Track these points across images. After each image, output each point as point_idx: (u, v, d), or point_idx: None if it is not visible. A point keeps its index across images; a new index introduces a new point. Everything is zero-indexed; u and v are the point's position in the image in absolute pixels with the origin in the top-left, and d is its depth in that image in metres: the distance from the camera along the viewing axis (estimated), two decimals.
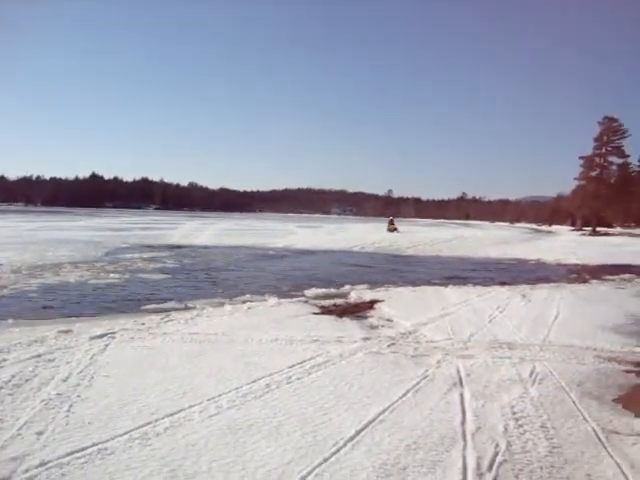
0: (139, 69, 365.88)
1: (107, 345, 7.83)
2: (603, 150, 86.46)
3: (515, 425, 5.20)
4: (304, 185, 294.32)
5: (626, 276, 20.60)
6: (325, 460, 4.33)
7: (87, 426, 4.86)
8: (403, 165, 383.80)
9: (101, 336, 8.32)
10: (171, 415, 5.18)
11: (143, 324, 9.44)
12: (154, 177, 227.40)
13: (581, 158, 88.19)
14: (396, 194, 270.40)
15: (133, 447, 4.47)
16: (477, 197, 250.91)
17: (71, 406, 5.35)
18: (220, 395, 5.80)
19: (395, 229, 56.85)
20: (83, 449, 4.40)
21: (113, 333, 8.57)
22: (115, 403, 5.46)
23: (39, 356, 7.11)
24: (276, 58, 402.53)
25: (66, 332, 8.57)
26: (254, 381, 6.30)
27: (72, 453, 4.33)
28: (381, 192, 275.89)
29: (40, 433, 4.70)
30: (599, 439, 4.95)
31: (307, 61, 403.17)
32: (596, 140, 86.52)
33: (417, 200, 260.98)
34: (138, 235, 38.30)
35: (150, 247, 28.09)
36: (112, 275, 16.45)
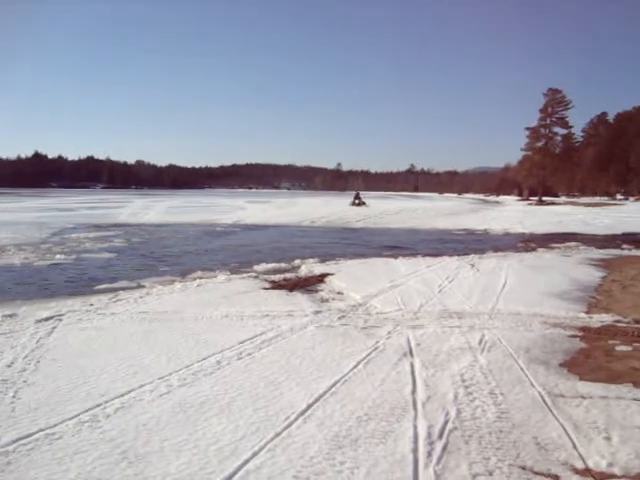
0: (80, 44, 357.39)
1: (54, 328, 7.68)
2: (548, 121, 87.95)
3: (465, 393, 5.28)
4: (253, 160, 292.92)
5: (571, 244, 21.04)
6: (277, 435, 4.34)
7: (34, 412, 4.76)
8: (352, 139, 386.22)
9: (47, 319, 8.16)
10: (121, 396, 5.11)
11: (91, 305, 9.30)
12: (100, 155, 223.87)
13: (527, 129, 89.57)
14: (345, 167, 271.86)
15: (82, 430, 4.40)
16: (425, 169, 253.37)
17: (17, 392, 5.23)
18: (171, 374, 5.75)
19: (362, 203, 55.89)
20: (29, 435, 4.30)
21: (60, 315, 8.42)
22: (63, 387, 5.36)
23: None
24: (224, 35, 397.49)
25: (11, 316, 8.38)
26: (205, 358, 6.26)
27: (18, 440, 4.23)
28: (330, 166, 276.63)
29: None
30: (545, 403, 5.06)
31: (252, 40, 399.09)
32: (541, 111, 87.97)
33: (366, 173, 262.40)
34: (85, 215, 37.70)
35: (97, 226, 27.61)
36: (58, 256, 16.11)
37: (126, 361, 6.18)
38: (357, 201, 56.80)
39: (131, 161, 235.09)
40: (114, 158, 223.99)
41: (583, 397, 5.23)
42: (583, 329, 7.93)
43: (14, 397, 5.10)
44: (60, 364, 6.10)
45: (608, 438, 4.36)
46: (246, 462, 3.92)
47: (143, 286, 11.32)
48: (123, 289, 10.98)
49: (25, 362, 6.16)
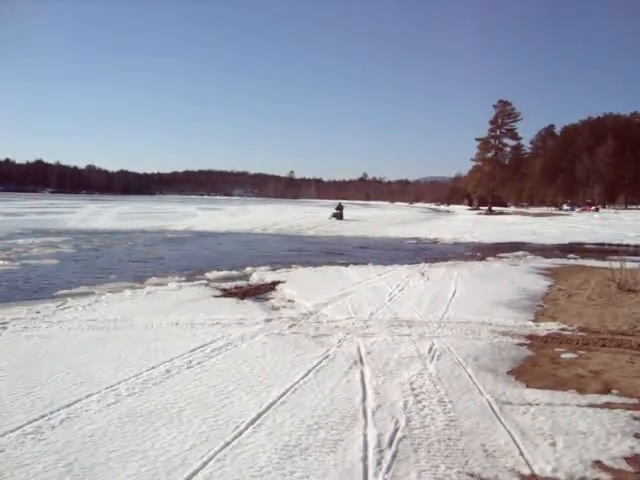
0: (25, 43, 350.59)
1: None
2: (498, 132, 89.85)
3: (414, 401, 5.31)
4: (205, 167, 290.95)
5: (519, 253, 21.41)
6: (227, 444, 4.30)
7: None
8: (305, 147, 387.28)
9: None
10: (67, 406, 5.00)
11: (38, 312, 9.06)
12: (49, 159, 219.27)
13: (477, 140, 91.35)
14: (298, 175, 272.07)
15: (25, 443, 4.28)
16: (377, 178, 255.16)
17: None
18: (119, 382, 5.65)
19: (338, 215, 48.31)
20: None
21: (4, 323, 8.19)
22: (5, 397, 5.21)
23: None
24: (177, 39, 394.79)
25: None
26: (154, 367, 6.18)
27: None
28: (283, 173, 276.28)
29: None
30: (493, 410, 5.13)
31: (204, 45, 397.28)
32: (491, 123, 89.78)
33: (319, 181, 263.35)
34: (33, 220, 36.88)
35: (46, 232, 26.99)
36: (3, 262, 15.70)
37: (73, 370, 6.05)
38: (336, 212, 49.14)
39: (81, 166, 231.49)
40: (64, 162, 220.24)
41: (530, 404, 5.33)
42: (530, 337, 8.07)
43: None
44: (3, 374, 5.93)
45: (553, 444, 4.44)
46: (195, 472, 3.87)
47: (92, 293, 11.09)
48: (71, 296, 10.74)
49: None
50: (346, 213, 50.43)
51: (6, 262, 15.79)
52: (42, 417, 4.75)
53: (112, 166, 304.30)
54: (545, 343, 7.79)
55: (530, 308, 10.26)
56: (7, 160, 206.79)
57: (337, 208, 50.32)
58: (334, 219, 46.97)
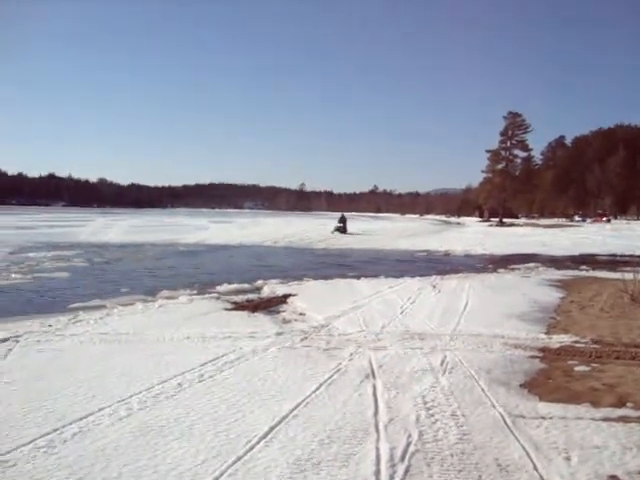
0: (42, 57, 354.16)
1: (10, 350, 7.50)
2: (508, 144, 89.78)
3: (427, 415, 5.28)
4: (216, 180, 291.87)
5: (531, 265, 21.30)
6: (238, 459, 4.28)
7: None
8: (315, 159, 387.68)
9: (4, 340, 7.97)
10: (79, 420, 5.00)
11: (50, 326, 9.09)
12: (61, 173, 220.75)
13: (488, 152, 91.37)
14: (308, 188, 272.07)
15: (37, 457, 4.28)
16: (388, 190, 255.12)
17: None
18: (131, 396, 5.65)
19: (342, 229, 44.49)
20: None
21: (17, 337, 8.22)
22: (18, 411, 5.22)
23: None
24: (188, 54, 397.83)
25: None
26: (166, 380, 6.17)
27: None
28: (293, 186, 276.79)
29: None
30: (506, 424, 5.09)
31: (214, 59, 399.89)
32: (502, 134, 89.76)
33: (329, 194, 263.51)
34: (45, 233, 37.10)
35: (57, 245, 27.17)
36: (16, 276, 15.79)
37: (85, 384, 6.05)
38: (339, 225, 45.05)
39: (93, 179, 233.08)
40: (76, 176, 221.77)
41: (543, 418, 5.28)
42: (543, 350, 8.02)
43: None
44: (16, 387, 5.95)
45: (568, 458, 4.40)
46: None
47: (104, 307, 11.13)
48: (83, 310, 10.78)
49: None
50: (354, 225, 50.21)
51: (18, 275, 15.86)
52: (54, 431, 4.75)
53: (123, 179, 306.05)
54: (558, 356, 7.74)
55: (542, 320, 10.20)
56: (20, 174, 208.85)
57: (340, 221, 45.98)
58: (337, 233, 43.16)
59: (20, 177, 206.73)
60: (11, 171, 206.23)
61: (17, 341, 7.98)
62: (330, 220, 61.02)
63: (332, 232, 43.62)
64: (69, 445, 4.50)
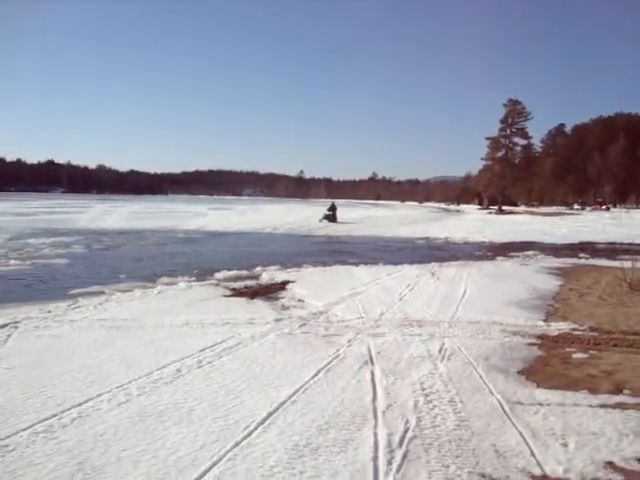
0: (42, 43, 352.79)
1: (9, 336, 7.52)
2: (508, 132, 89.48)
3: (425, 401, 5.30)
4: (215, 167, 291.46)
5: (530, 253, 21.34)
6: (237, 444, 4.30)
7: None
8: (315, 146, 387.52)
9: (3, 326, 7.98)
10: (78, 405, 5.02)
11: (49, 312, 9.12)
12: (60, 159, 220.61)
13: (487, 139, 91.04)
14: (308, 175, 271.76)
15: (37, 441, 4.30)
16: (387, 177, 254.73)
17: None
18: (130, 382, 5.67)
19: (331, 217, 42.34)
20: None
21: (16, 323, 8.24)
22: (18, 396, 5.24)
23: None
24: (187, 39, 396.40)
25: None
26: (164, 366, 6.19)
27: None
28: (293, 173, 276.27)
29: None
30: (504, 410, 5.11)
31: (216, 46, 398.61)
32: (502, 122, 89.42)
33: (329, 181, 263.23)
34: (44, 219, 37.10)
35: (57, 232, 27.15)
36: (15, 262, 15.80)
37: (84, 369, 6.07)
38: (330, 214, 42.73)
39: (92, 166, 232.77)
40: (75, 162, 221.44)
41: (541, 404, 5.30)
42: (541, 337, 8.03)
43: None
44: (15, 373, 5.97)
45: (565, 445, 4.42)
46: (206, 472, 3.88)
47: (103, 293, 11.13)
48: (82, 296, 10.79)
49: None
50: (351, 213, 49.98)
51: (17, 262, 15.87)
52: (53, 416, 4.77)
53: (122, 166, 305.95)
54: (556, 343, 7.76)
55: (541, 308, 10.21)
56: (18, 160, 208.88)
57: (329, 209, 43.73)
58: (326, 222, 41.00)
59: (19, 163, 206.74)
60: (10, 157, 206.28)
61: (16, 327, 8.00)
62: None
63: (320, 220, 41.71)
64: (68, 430, 4.52)
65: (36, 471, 3.87)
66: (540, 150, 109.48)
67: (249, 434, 4.49)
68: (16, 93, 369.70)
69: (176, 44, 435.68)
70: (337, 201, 56.48)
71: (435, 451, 4.28)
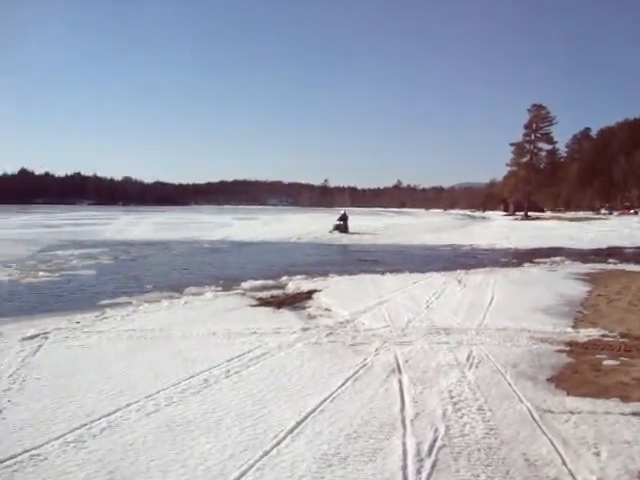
0: (64, 58, 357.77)
1: (40, 346, 7.60)
2: (532, 137, 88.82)
3: (453, 409, 5.26)
4: (240, 177, 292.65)
5: (557, 259, 21.15)
6: (265, 453, 4.30)
7: (18, 432, 4.69)
8: (339, 155, 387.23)
9: (33, 337, 8.08)
10: (107, 415, 5.05)
11: (78, 323, 9.21)
12: (87, 172, 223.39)
13: (512, 145, 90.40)
14: (332, 184, 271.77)
15: (68, 451, 4.34)
16: (412, 185, 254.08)
17: (1, 412, 5.15)
18: (158, 392, 5.69)
19: (342, 227, 38.80)
20: (13, 457, 4.23)
21: (46, 333, 8.33)
22: (48, 406, 5.29)
23: None
24: (209, 51, 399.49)
25: None
26: (192, 376, 6.21)
27: (2, 462, 4.16)
28: (317, 182, 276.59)
29: None
30: (533, 418, 5.05)
31: (238, 55, 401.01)
32: (526, 127, 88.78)
33: (353, 189, 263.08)
34: (71, 231, 37.53)
35: (84, 243, 27.46)
36: (44, 273, 15.99)
37: (112, 379, 6.12)
38: (341, 224, 39.21)
39: (118, 177, 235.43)
40: (101, 174, 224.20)
41: (571, 412, 5.23)
42: (570, 344, 7.94)
43: None
44: (45, 383, 6.03)
45: (597, 454, 4.35)
46: None
47: (130, 304, 11.23)
48: (109, 307, 10.89)
49: (10, 381, 6.08)
50: (381, 220, 49.76)
51: (46, 273, 16.06)
52: (83, 426, 4.81)
53: (148, 177, 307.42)
54: (585, 350, 7.66)
55: (569, 314, 10.11)
56: (47, 173, 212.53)
57: (340, 218, 40.06)
58: (337, 232, 37.69)
59: (47, 176, 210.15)
60: (38, 171, 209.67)
61: (46, 338, 8.08)
62: (354, 216, 60.61)
63: (330, 231, 38.24)
64: (98, 440, 4.55)
65: None
66: (565, 155, 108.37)
67: (277, 443, 4.48)
68: (44, 108, 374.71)
69: (204, 55, 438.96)
70: (361, 209, 56.08)
71: (464, 460, 4.25)
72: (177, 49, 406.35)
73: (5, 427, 4.81)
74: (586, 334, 8.49)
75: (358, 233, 37.75)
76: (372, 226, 48.65)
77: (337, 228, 38.64)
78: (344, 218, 39.87)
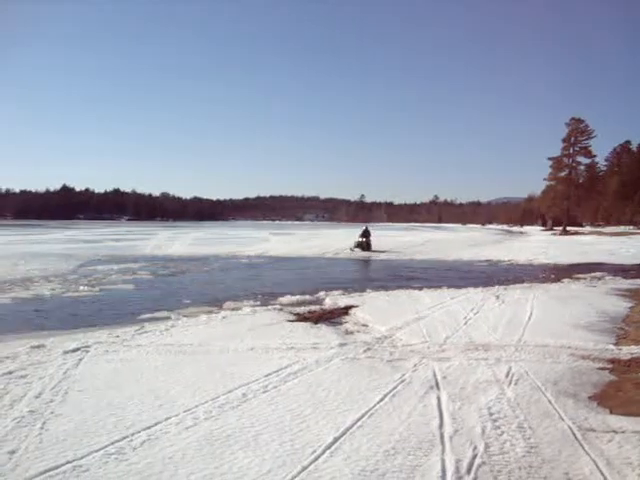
0: (111, 80, 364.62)
1: (81, 359, 7.72)
2: (571, 151, 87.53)
3: (492, 426, 5.21)
4: (276, 192, 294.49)
5: (597, 274, 20.82)
6: (304, 469, 4.31)
7: (61, 443, 4.77)
8: (375, 170, 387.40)
9: (75, 350, 8.21)
10: (147, 428, 5.12)
11: (117, 336, 9.33)
12: (126, 188, 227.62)
13: (550, 159, 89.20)
14: (368, 199, 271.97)
15: (109, 463, 4.40)
16: (449, 200, 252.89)
17: (44, 423, 5.25)
18: (197, 406, 5.74)
19: (364, 244, 35.51)
20: (57, 467, 4.32)
21: (87, 347, 8.46)
22: (90, 418, 5.38)
23: (10, 373, 6.99)
24: (249, 69, 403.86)
25: (38, 347, 8.44)
26: (230, 391, 6.25)
27: (46, 472, 4.24)
28: (353, 197, 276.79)
29: (12, 452, 4.61)
30: (575, 437, 4.98)
31: (274, 71, 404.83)
32: (564, 141, 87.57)
33: (389, 205, 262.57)
34: (111, 247, 38.05)
35: (123, 258, 27.82)
36: (85, 288, 16.24)
37: (152, 393, 6.18)
38: (364, 241, 35.84)
39: (156, 193, 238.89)
40: (140, 191, 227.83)
41: (615, 432, 5.14)
42: (612, 361, 7.82)
43: (42, 428, 5.12)
44: (87, 395, 6.12)
45: None
46: None
47: (168, 318, 11.35)
48: (148, 321, 11.04)
49: (53, 393, 6.19)
50: (418, 235, 49.41)
51: (87, 288, 16.30)
52: (124, 438, 4.87)
53: (186, 193, 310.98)
54: (628, 367, 7.53)
55: (610, 331, 9.95)
56: (87, 189, 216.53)
57: (362, 235, 36.38)
58: (358, 250, 34.99)
59: (87, 193, 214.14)
60: (79, 187, 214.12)
61: (87, 351, 8.20)
62: (390, 231, 60.51)
63: (351, 249, 35.29)
64: (138, 452, 4.60)
65: None
66: (605, 168, 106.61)
67: (316, 459, 4.48)
68: (84, 127, 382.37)
69: (232, 64, 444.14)
70: (398, 224, 55.64)
71: (505, 478, 4.20)
72: (214, 60, 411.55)
73: (48, 438, 4.89)
74: (629, 351, 8.35)
75: (385, 251, 35.59)
76: (409, 241, 48.46)
77: (359, 245, 35.55)
78: (366, 234, 36.37)
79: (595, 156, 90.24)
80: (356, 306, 12.71)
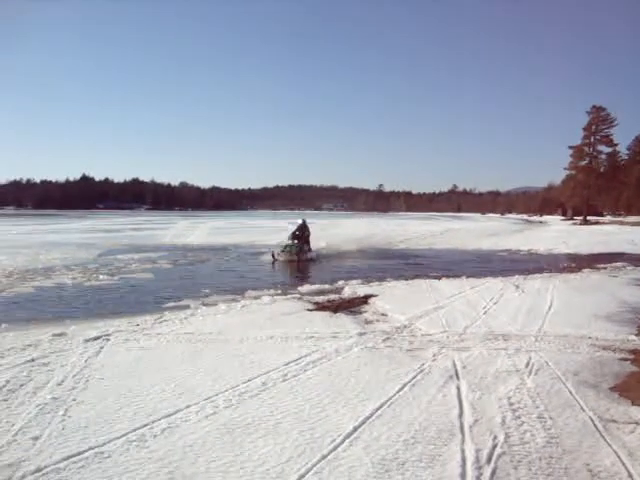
0: (130, 69, 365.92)
1: (102, 347, 7.78)
2: (592, 139, 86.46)
3: (512, 416, 5.19)
4: (295, 182, 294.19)
5: (618, 264, 20.65)
6: (323, 457, 4.32)
7: (83, 430, 4.83)
8: (394, 159, 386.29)
9: (95, 338, 8.28)
10: (168, 416, 5.15)
11: (137, 325, 9.39)
12: (145, 177, 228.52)
13: (570, 148, 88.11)
14: (387, 188, 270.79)
15: (130, 450, 4.44)
16: (468, 189, 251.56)
17: (67, 410, 5.31)
18: (216, 394, 5.77)
19: (295, 249, 22.84)
20: (80, 453, 4.37)
21: (107, 335, 8.53)
22: (111, 405, 5.43)
23: (33, 360, 7.06)
24: (268, 59, 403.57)
25: (60, 335, 8.52)
26: (250, 379, 6.27)
27: (69, 458, 4.30)
28: (372, 187, 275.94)
29: (36, 438, 4.67)
30: (596, 428, 4.95)
31: (295, 64, 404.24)
32: (585, 130, 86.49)
33: (408, 194, 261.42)
34: (130, 236, 38.22)
35: (142, 247, 27.94)
36: (105, 277, 16.35)
37: (172, 381, 6.22)
38: (294, 243, 23.57)
39: (175, 183, 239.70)
40: (158, 180, 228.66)
41: (637, 423, 5.10)
42: (634, 352, 7.75)
43: (64, 415, 5.18)
44: (108, 383, 6.17)
45: None
46: None
47: (188, 307, 11.40)
48: (168, 310, 11.09)
49: (74, 381, 6.25)
50: (437, 225, 48.97)
51: (107, 277, 16.41)
52: (145, 426, 4.91)
53: (204, 183, 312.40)
54: None
55: (632, 321, 9.86)
56: (106, 179, 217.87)
57: (296, 231, 25.00)
58: (285, 256, 22.63)
59: (106, 182, 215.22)
60: (98, 177, 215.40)
61: (108, 339, 8.27)
62: (408, 220, 60.21)
63: (275, 256, 22.61)
64: (159, 440, 4.64)
65: (130, 478, 4.00)
66: (627, 157, 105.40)
67: (335, 448, 4.49)
68: (103, 117, 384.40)
69: (251, 58, 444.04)
70: (416, 214, 55.15)
71: (525, 469, 4.18)
72: (232, 52, 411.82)
73: (71, 425, 4.95)
74: None
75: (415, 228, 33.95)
76: (428, 231, 48.25)
77: (286, 248, 23.29)
78: (303, 228, 25.46)
79: (616, 145, 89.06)
80: (375, 295, 12.70)
